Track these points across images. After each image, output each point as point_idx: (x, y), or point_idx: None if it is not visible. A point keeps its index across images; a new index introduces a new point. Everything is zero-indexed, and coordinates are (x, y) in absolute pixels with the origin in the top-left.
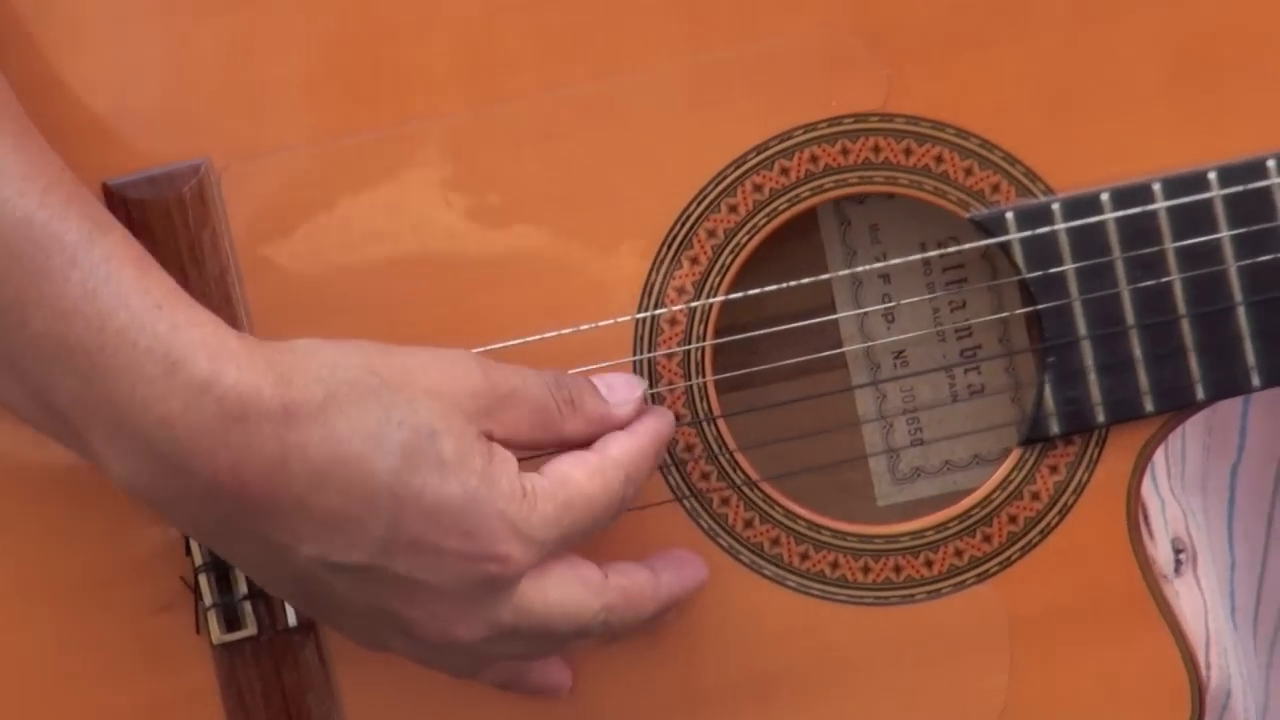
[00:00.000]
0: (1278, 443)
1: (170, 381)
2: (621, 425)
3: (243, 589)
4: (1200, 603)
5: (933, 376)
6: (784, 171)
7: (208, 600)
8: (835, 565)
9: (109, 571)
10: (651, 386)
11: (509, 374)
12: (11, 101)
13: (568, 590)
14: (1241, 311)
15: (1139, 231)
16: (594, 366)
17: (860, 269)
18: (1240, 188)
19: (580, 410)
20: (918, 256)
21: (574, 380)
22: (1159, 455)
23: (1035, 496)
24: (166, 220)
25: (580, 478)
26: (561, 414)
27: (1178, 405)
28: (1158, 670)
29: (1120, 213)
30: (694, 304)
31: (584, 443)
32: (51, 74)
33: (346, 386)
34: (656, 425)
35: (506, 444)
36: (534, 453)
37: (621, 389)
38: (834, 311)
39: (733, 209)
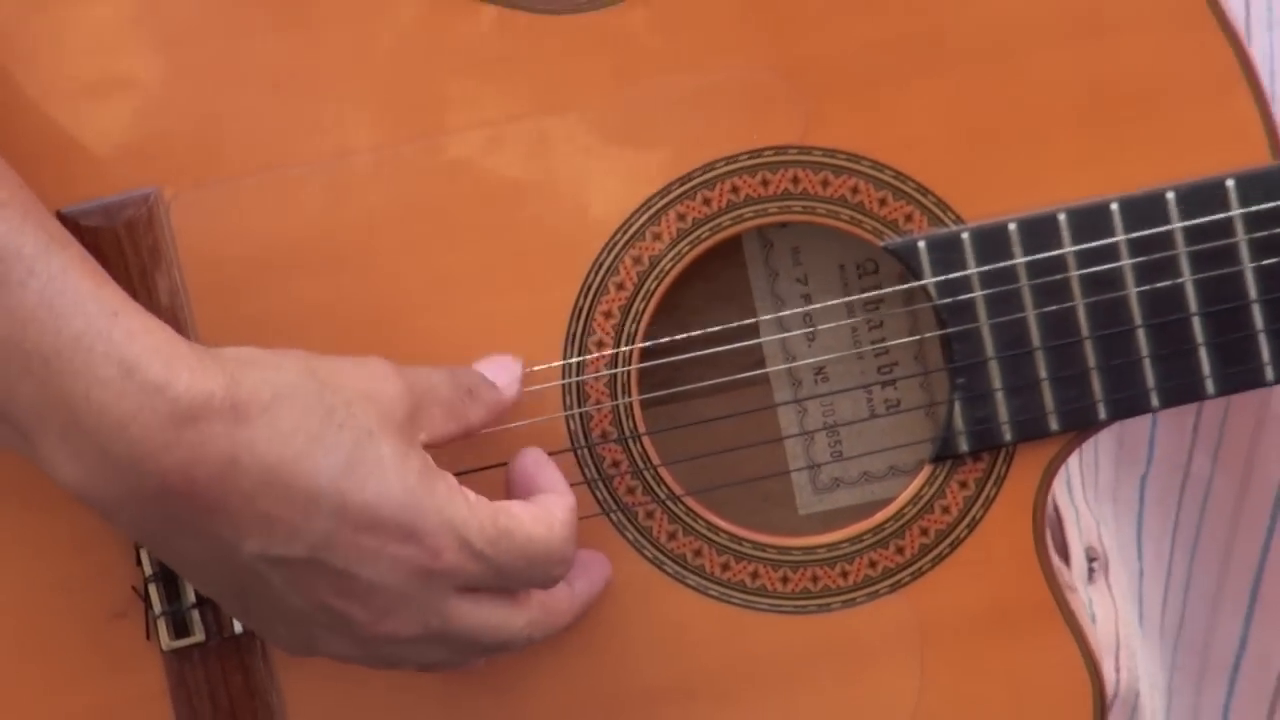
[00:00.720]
0: (1183, 455)
1: (125, 384)
2: (509, 406)
3: (191, 598)
4: (1112, 609)
5: (852, 394)
6: (706, 201)
7: (157, 608)
8: (755, 575)
9: (65, 579)
10: (580, 405)
11: (419, 376)
12: None
13: (495, 609)
14: (1141, 335)
15: (1044, 261)
16: (525, 389)
17: (785, 312)
18: (1140, 219)
19: (478, 398)
20: (841, 300)
21: (466, 371)
22: (1074, 466)
23: (945, 510)
24: (118, 246)
25: (526, 518)
26: (465, 405)
27: (1081, 425)
28: (1062, 675)
29: (1026, 243)
30: (621, 330)
31: (484, 427)
32: (10, 103)
33: (289, 388)
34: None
35: (431, 444)
36: (452, 443)
37: (504, 372)
38: (758, 335)
39: (657, 237)
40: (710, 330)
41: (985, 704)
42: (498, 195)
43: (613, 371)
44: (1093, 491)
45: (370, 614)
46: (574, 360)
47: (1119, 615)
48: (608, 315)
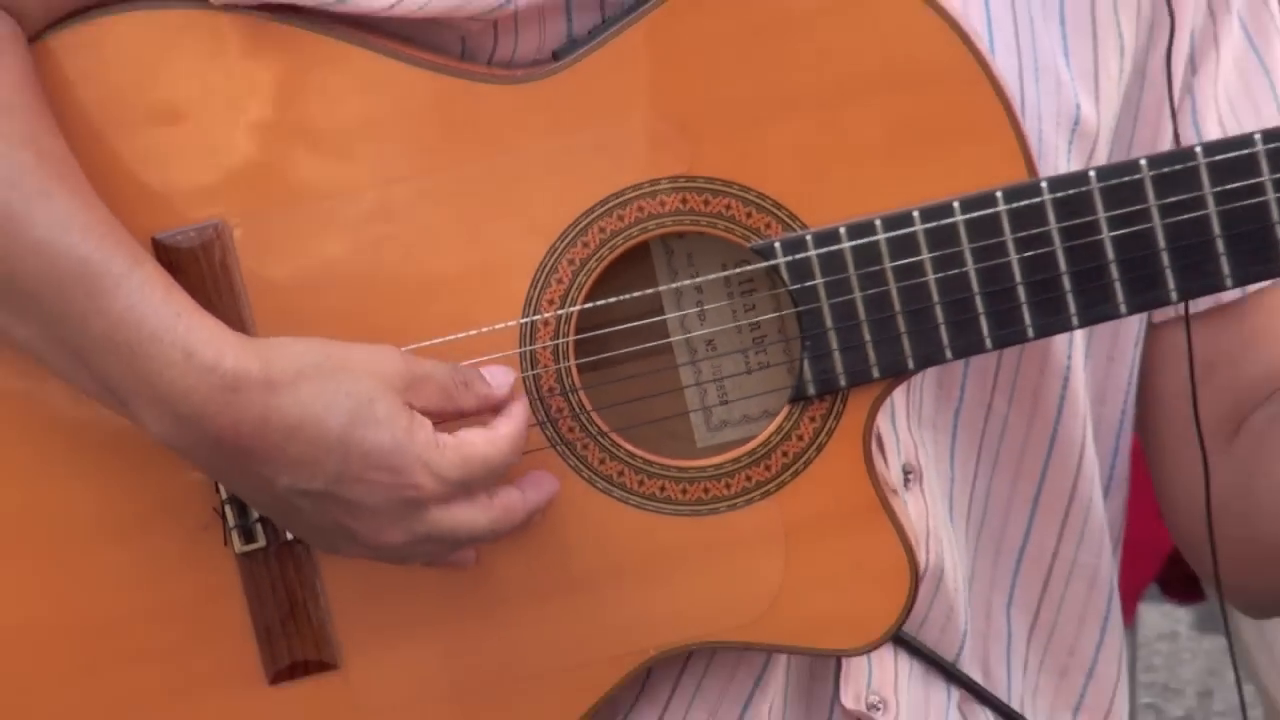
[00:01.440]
0: (986, 394)
1: (187, 365)
2: (500, 402)
3: (255, 515)
4: (923, 508)
5: (732, 356)
6: (620, 218)
7: (231, 523)
8: (663, 489)
9: (168, 503)
10: (531, 368)
11: (421, 363)
12: (75, 170)
13: (465, 514)
14: (938, 309)
15: (866, 255)
16: (491, 357)
17: (681, 282)
18: (935, 223)
19: (471, 390)
20: (724, 299)
21: (468, 370)
22: (900, 399)
23: (800, 438)
24: (195, 263)
25: (480, 442)
26: (458, 392)
27: (895, 374)
28: (887, 556)
29: (852, 242)
30: (560, 315)
31: (477, 413)
32: (113, 151)
33: (311, 367)
34: (521, 417)
35: (425, 412)
36: (448, 421)
37: (500, 375)
38: (664, 314)
39: (585, 244)
40: (624, 298)
41: (831, 578)
42: (467, 217)
43: (555, 342)
44: (916, 420)
45: (372, 529)
46: (532, 334)
47: (930, 514)
48: (550, 302)
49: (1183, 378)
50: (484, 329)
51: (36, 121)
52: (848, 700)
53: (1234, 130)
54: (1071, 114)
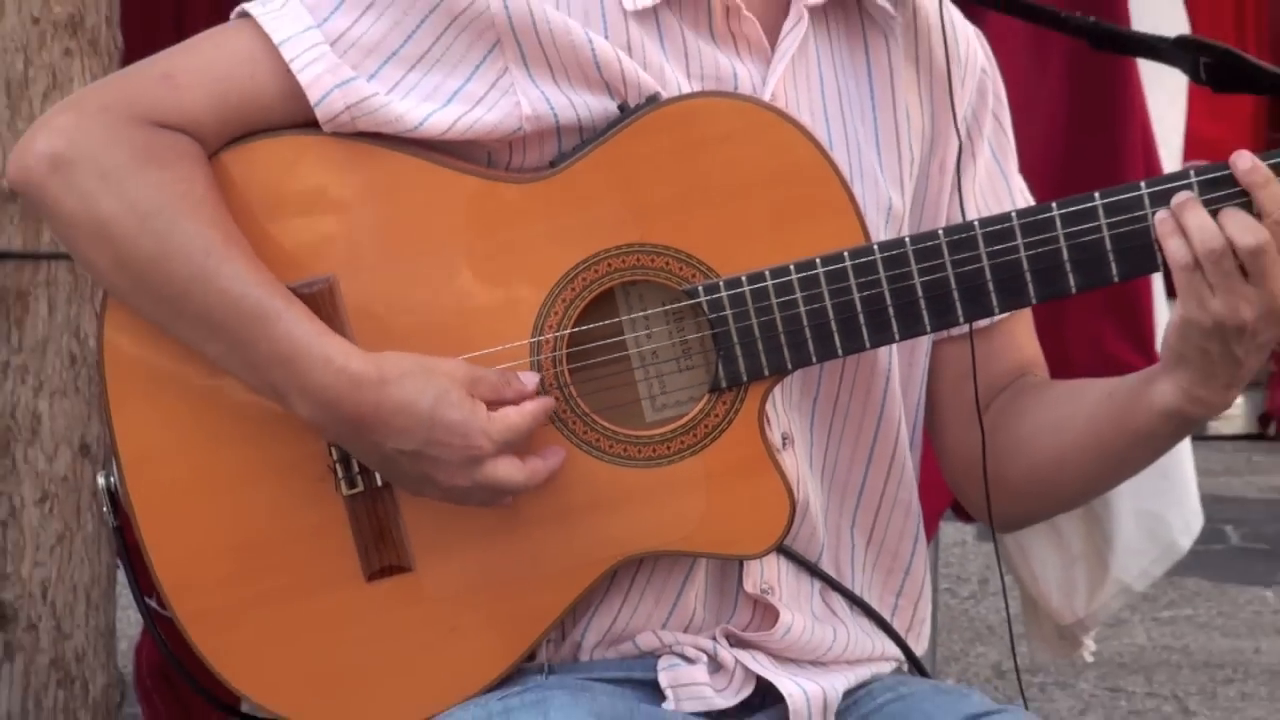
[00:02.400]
0: (835, 386)
1: (326, 368)
2: (529, 394)
3: (356, 468)
4: (795, 463)
5: (670, 362)
6: (595, 270)
7: (340, 475)
8: (625, 450)
9: (299, 461)
10: (540, 371)
11: (480, 370)
12: (244, 242)
13: (509, 470)
14: (807, 329)
15: (758, 294)
16: (516, 363)
17: (639, 314)
18: (805, 273)
19: (510, 387)
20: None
21: (508, 374)
22: (779, 390)
23: (716, 415)
24: (318, 303)
25: (514, 414)
26: (504, 387)
27: (780, 372)
28: (774, 494)
29: (750, 286)
30: (558, 336)
31: (515, 402)
32: (264, 229)
33: (407, 369)
34: (545, 403)
35: (482, 399)
36: (495, 406)
37: (528, 379)
38: (624, 335)
39: (572, 288)
40: (598, 325)
41: (737, 508)
42: (497, 269)
43: (554, 354)
44: (789, 404)
45: (446, 477)
46: (539, 348)
47: (799, 467)
48: (550, 327)
49: (953, 377)
50: (507, 345)
51: (218, 210)
52: (749, 587)
53: (985, 213)
54: (886, 203)
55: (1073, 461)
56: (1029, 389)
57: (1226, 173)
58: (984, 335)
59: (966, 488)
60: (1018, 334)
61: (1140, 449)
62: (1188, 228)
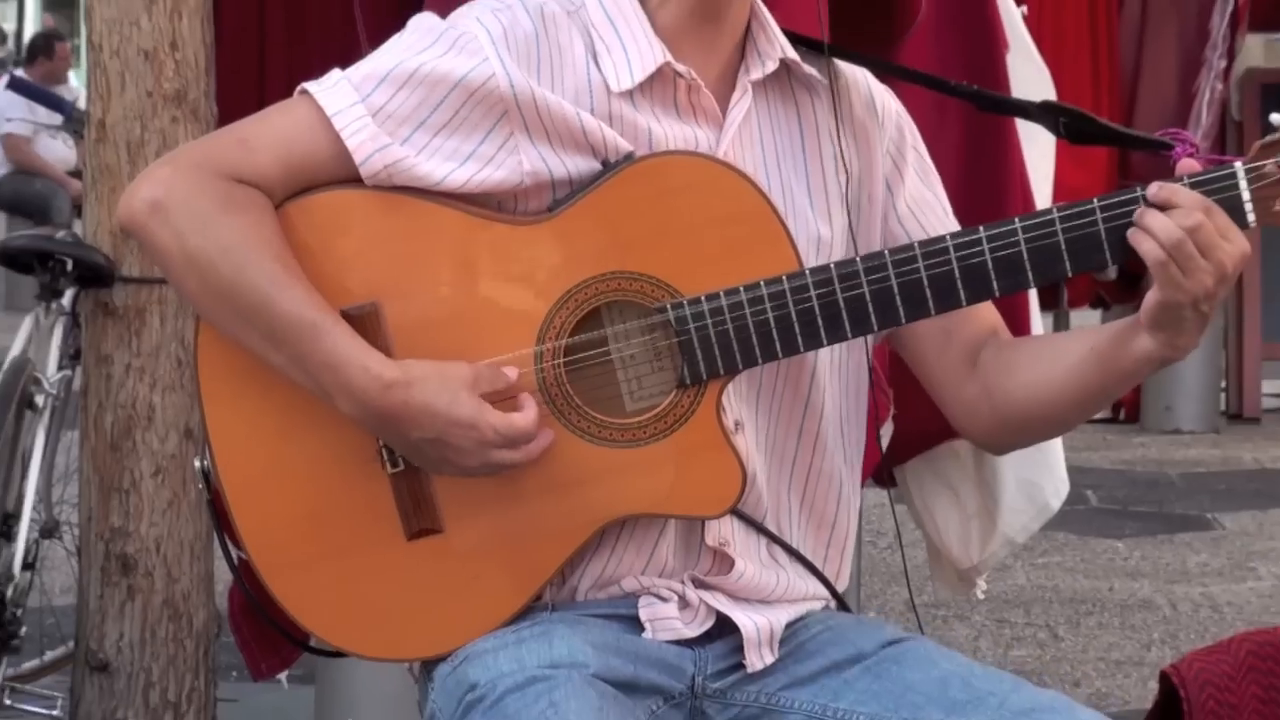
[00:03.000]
0: (774, 380)
1: (364, 374)
2: (512, 381)
3: (399, 452)
4: (745, 444)
5: (645, 364)
6: (585, 292)
7: (385, 457)
8: (610, 435)
9: (356, 449)
10: (541, 372)
11: (479, 369)
12: (302, 275)
13: (510, 454)
14: (754, 336)
15: (715, 310)
16: (521, 370)
17: (624, 325)
18: (751, 294)
19: (500, 377)
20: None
21: (496, 368)
22: (733, 385)
23: (682, 406)
24: (363, 324)
25: (517, 417)
26: (494, 380)
27: (734, 371)
28: (729, 468)
29: (708, 304)
30: (554, 346)
31: (506, 390)
32: (320, 264)
33: (426, 375)
34: (535, 408)
35: (484, 395)
36: (497, 402)
37: (510, 372)
38: (609, 344)
39: (567, 307)
40: (588, 335)
41: (700, 479)
42: (508, 292)
43: (556, 361)
44: (740, 396)
45: (459, 459)
46: (541, 355)
47: (748, 446)
48: (550, 337)
49: (934, 349)
50: (516, 353)
51: (282, 248)
52: (709, 541)
53: (914, 227)
54: (815, 235)
55: (1064, 400)
56: (1008, 346)
57: (1136, 194)
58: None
59: (972, 430)
60: (980, 305)
61: (1124, 385)
62: (1153, 229)
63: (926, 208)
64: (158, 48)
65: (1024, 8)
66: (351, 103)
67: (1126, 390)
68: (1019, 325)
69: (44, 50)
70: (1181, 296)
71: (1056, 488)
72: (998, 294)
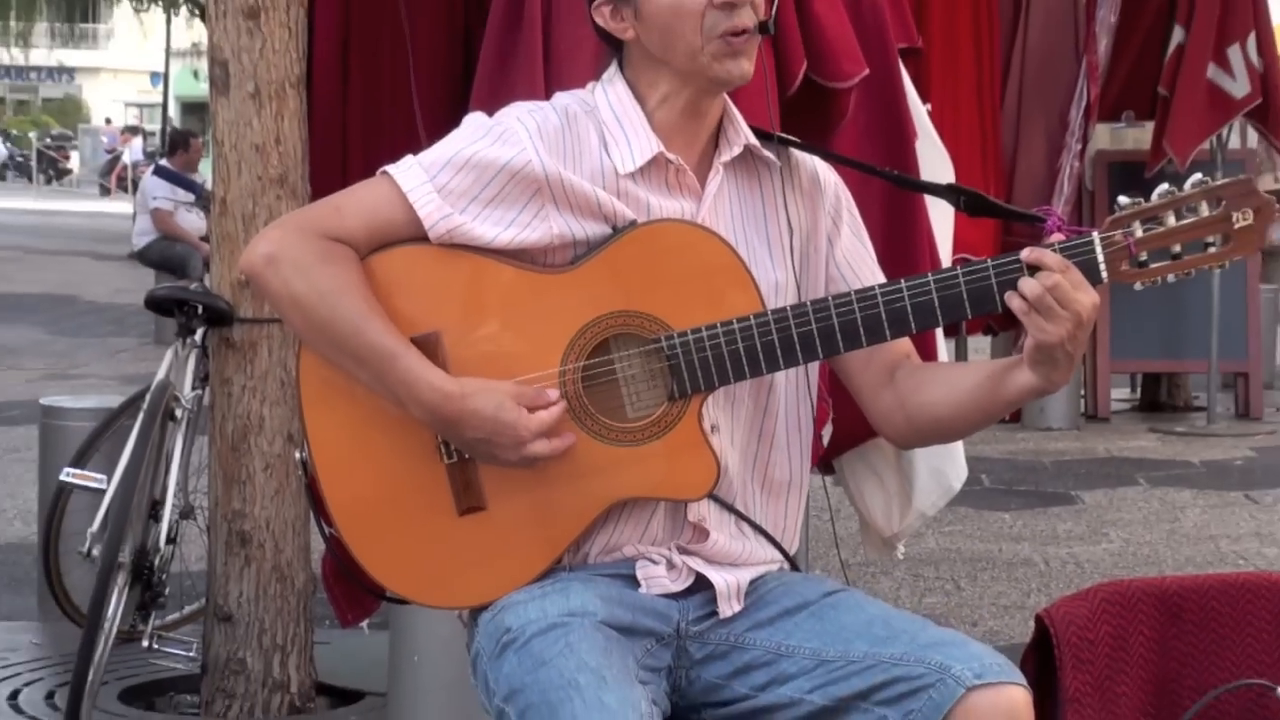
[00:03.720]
0: (743, 393)
1: (430, 390)
2: (551, 402)
3: (452, 447)
4: (719, 443)
5: (643, 383)
6: (598, 326)
7: (443, 451)
8: (616, 436)
9: (422, 443)
10: (563, 389)
11: (522, 387)
12: (381, 311)
13: (540, 447)
14: (727, 362)
15: (699, 343)
16: (550, 386)
17: (628, 353)
18: (726, 329)
19: (541, 397)
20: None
21: (540, 389)
22: (710, 398)
23: (671, 414)
24: (428, 348)
25: (545, 416)
26: (535, 398)
27: (710, 388)
28: (708, 462)
29: (693, 336)
30: (574, 367)
31: (544, 407)
32: (395, 304)
33: (479, 389)
34: (561, 406)
35: (523, 404)
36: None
37: (551, 394)
38: (615, 366)
39: (584, 337)
40: (599, 359)
41: (684, 469)
42: (539, 326)
43: (575, 379)
44: (718, 405)
45: (502, 452)
46: (564, 374)
47: (722, 445)
48: (571, 361)
49: (859, 368)
50: (544, 372)
51: (366, 291)
52: (691, 517)
53: (849, 274)
54: (774, 282)
55: (962, 416)
56: (919, 369)
57: (1018, 257)
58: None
59: (887, 430)
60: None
61: (1006, 409)
62: (1021, 291)
63: (859, 258)
64: (265, 143)
65: (928, 105)
66: (422, 182)
67: (1008, 413)
68: (927, 348)
69: (181, 145)
70: (1050, 339)
71: (958, 473)
72: (914, 332)
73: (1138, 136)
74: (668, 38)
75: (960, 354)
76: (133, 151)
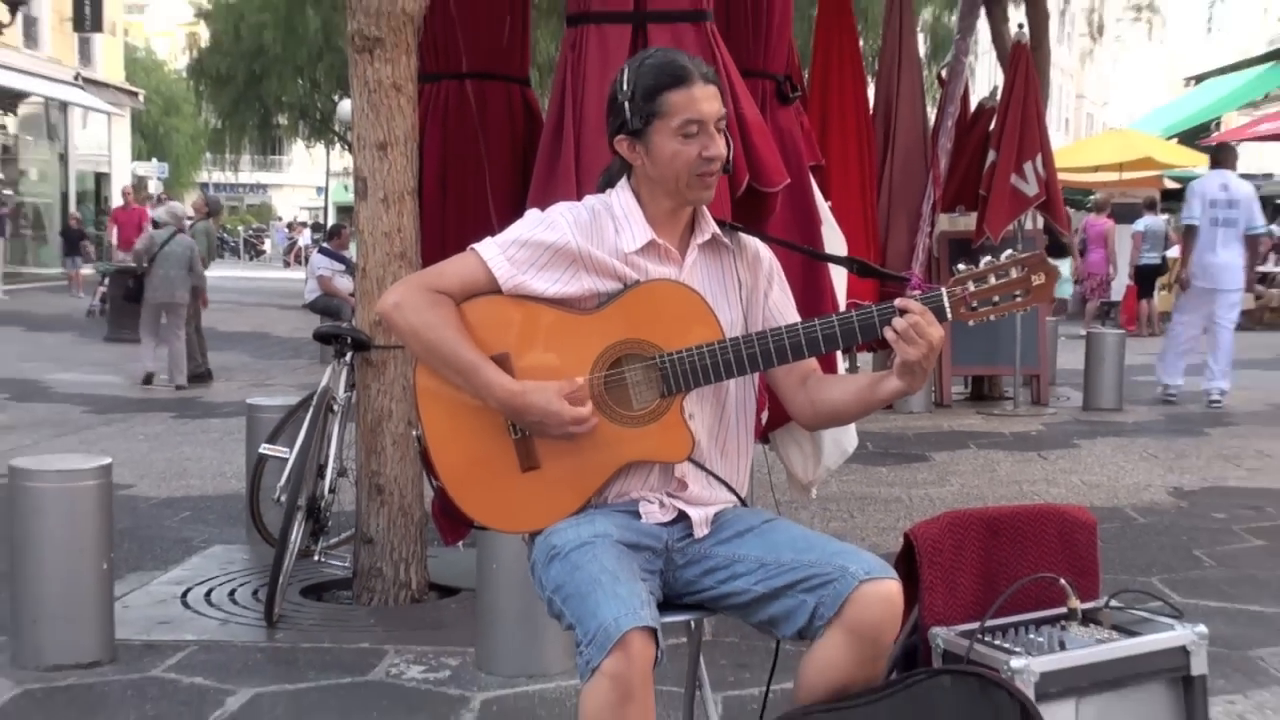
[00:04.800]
0: (710, 391)
1: (503, 390)
2: (581, 388)
3: (519, 428)
4: (695, 425)
5: (644, 385)
6: (613, 350)
7: (512, 430)
8: (625, 420)
9: (496, 423)
10: (591, 390)
11: (564, 386)
12: (469, 338)
13: (576, 427)
14: (700, 373)
15: (686, 360)
16: (583, 392)
17: (629, 368)
18: (701, 351)
19: (577, 395)
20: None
21: (574, 389)
22: (690, 395)
23: (663, 406)
24: (501, 364)
25: (581, 411)
26: (569, 390)
27: (689, 389)
28: (685, 438)
29: (679, 356)
30: (598, 375)
31: (579, 398)
32: (480, 335)
33: (536, 389)
34: (589, 406)
35: (568, 398)
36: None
37: (579, 382)
38: (625, 377)
39: (605, 356)
40: (614, 371)
41: (671, 441)
42: (575, 349)
43: (600, 385)
44: (694, 399)
45: (551, 431)
46: (592, 380)
47: (697, 427)
48: (595, 371)
49: (782, 377)
50: (579, 378)
51: (459, 325)
52: (675, 473)
53: (778, 315)
54: (729, 321)
55: (850, 410)
56: (823, 379)
57: (893, 305)
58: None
59: (800, 419)
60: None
61: (880, 404)
62: (894, 326)
63: (785, 305)
64: (391, 231)
65: (829, 202)
66: (496, 254)
67: (882, 407)
68: (829, 362)
69: (336, 233)
70: (912, 358)
71: (851, 441)
72: (823, 353)
73: (966, 222)
74: (664, 171)
75: (852, 366)
76: (303, 238)
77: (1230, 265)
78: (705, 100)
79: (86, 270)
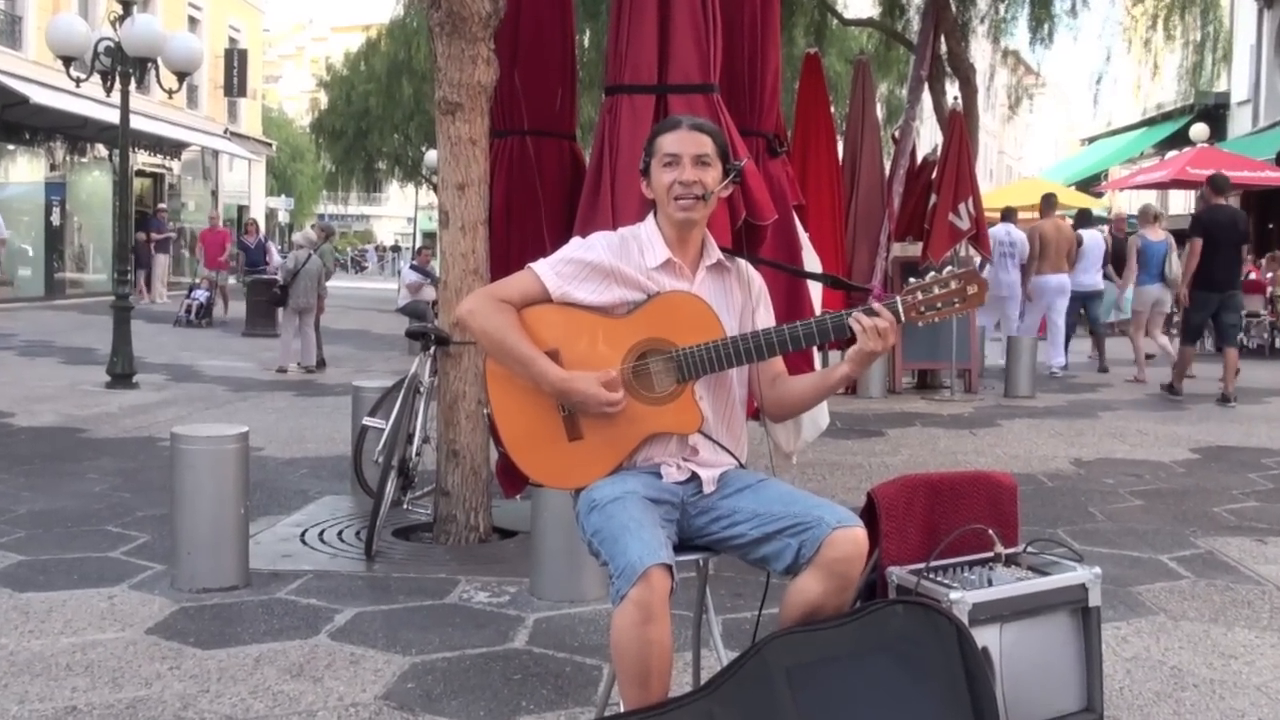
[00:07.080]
0: (715, 377)
1: (555, 376)
2: (614, 378)
3: (566, 407)
4: (705, 405)
5: (665, 373)
6: (642, 345)
7: (561, 409)
8: (649, 400)
9: (551, 409)
10: (623, 379)
11: (601, 374)
12: (525, 335)
13: (611, 408)
14: (708, 364)
15: (697, 355)
16: (616, 380)
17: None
18: (709, 346)
19: (612, 382)
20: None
21: (610, 377)
22: (699, 381)
23: (679, 390)
24: (553, 357)
25: (615, 395)
26: (604, 378)
27: (700, 375)
28: (695, 414)
29: (690, 349)
30: (627, 366)
31: (612, 387)
32: (536, 333)
33: (580, 376)
34: (621, 391)
35: (603, 383)
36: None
37: (613, 373)
38: (650, 368)
39: (633, 350)
40: (640, 362)
41: (683, 417)
42: (609, 346)
43: (629, 371)
44: (703, 383)
45: (591, 409)
46: (623, 369)
47: (706, 406)
48: (624, 362)
49: (759, 373)
50: (613, 368)
51: (519, 327)
52: (689, 442)
53: (762, 324)
54: (730, 326)
55: (805, 398)
56: (787, 378)
57: (853, 310)
58: (767, 361)
59: (768, 411)
60: (777, 361)
61: (834, 390)
62: (860, 322)
63: (767, 321)
64: (467, 253)
65: (808, 233)
66: (548, 271)
67: (835, 392)
68: (807, 356)
69: (420, 254)
70: (870, 349)
71: (825, 420)
72: (804, 348)
73: (914, 249)
74: (657, 195)
75: (825, 360)
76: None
77: (1010, 282)
78: (684, 141)
79: (230, 281)
